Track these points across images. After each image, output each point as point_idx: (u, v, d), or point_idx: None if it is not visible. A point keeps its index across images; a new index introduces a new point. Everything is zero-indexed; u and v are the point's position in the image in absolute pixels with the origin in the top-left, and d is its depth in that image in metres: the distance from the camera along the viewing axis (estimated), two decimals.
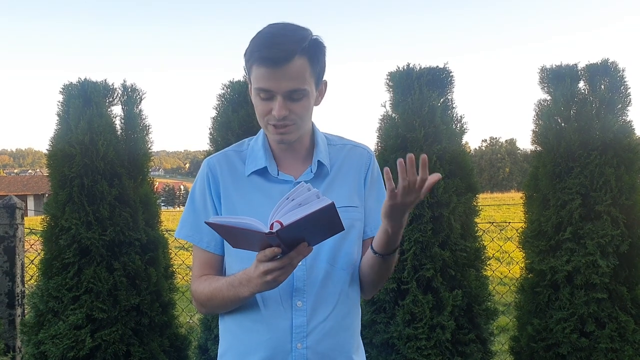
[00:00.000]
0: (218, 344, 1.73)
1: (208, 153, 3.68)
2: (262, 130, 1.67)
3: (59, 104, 3.47)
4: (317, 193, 1.30)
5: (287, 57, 1.45)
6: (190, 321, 5.66)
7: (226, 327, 1.68)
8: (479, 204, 3.63)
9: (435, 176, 1.38)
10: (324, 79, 1.62)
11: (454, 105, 3.62)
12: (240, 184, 1.63)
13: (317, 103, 1.63)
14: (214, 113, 3.75)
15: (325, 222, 1.34)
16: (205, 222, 1.35)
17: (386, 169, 1.38)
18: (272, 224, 1.28)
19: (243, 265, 1.48)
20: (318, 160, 1.64)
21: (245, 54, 1.54)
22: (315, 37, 1.53)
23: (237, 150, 1.70)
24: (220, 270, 1.67)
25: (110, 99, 3.55)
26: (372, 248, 1.57)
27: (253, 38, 1.52)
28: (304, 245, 1.35)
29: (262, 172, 1.63)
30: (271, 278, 1.38)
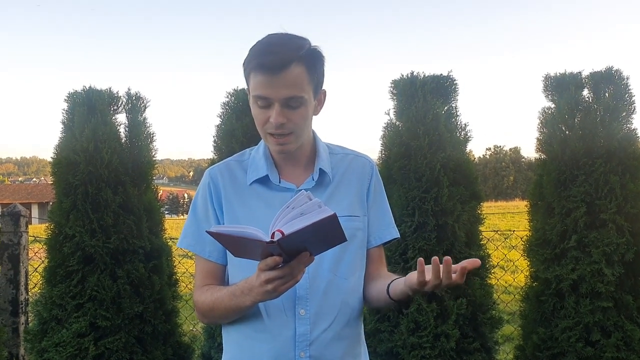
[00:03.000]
0: (221, 353, 1.73)
1: (212, 161, 3.69)
2: (263, 140, 1.68)
3: (64, 112, 3.49)
4: (319, 203, 1.29)
5: (284, 64, 1.46)
6: (194, 329, 5.64)
7: (229, 335, 1.68)
8: (483, 212, 3.62)
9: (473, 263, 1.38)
10: (323, 89, 1.62)
11: (458, 113, 3.62)
12: (242, 193, 1.64)
13: (316, 112, 1.63)
14: (218, 121, 3.76)
15: (327, 233, 1.33)
16: (207, 232, 1.35)
17: (420, 260, 1.39)
18: (273, 233, 1.27)
19: (245, 274, 1.47)
20: (320, 169, 1.64)
21: (244, 63, 1.55)
22: (313, 46, 1.54)
23: (239, 160, 1.71)
24: (223, 280, 1.67)
25: (115, 107, 3.56)
26: (388, 292, 1.57)
27: (251, 47, 1.52)
28: (305, 254, 1.34)
29: (264, 181, 1.63)
30: (272, 287, 1.37)
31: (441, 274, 1.35)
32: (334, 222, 1.27)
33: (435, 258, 1.38)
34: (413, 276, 1.42)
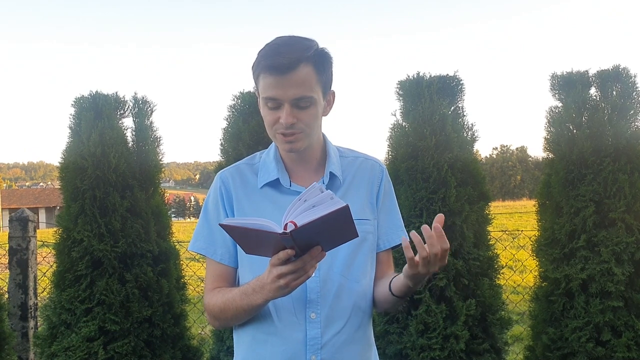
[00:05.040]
0: (230, 356, 1.73)
1: (218, 164, 3.69)
2: (273, 143, 1.69)
3: (71, 116, 3.49)
4: (330, 195, 1.30)
5: (293, 64, 1.48)
6: (202, 333, 5.65)
7: (240, 339, 1.68)
8: (491, 212, 3.61)
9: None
10: (331, 90, 1.63)
11: (464, 113, 3.61)
12: (253, 197, 1.64)
13: (325, 113, 1.64)
14: (224, 124, 3.76)
15: (339, 226, 1.33)
16: (220, 224, 1.35)
17: (404, 238, 1.42)
18: (286, 224, 1.27)
19: (256, 274, 1.47)
20: (330, 172, 1.65)
21: (252, 66, 1.56)
22: (321, 47, 1.56)
23: (249, 163, 1.72)
24: (233, 283, 1.67)
25: (121, 112, 3.57)
26: (390, 289, 1.57)
27: (260, 50, 1.54)
28: (317, 248, 1.34)
29: (275, 184, 1.64)
30: (284, 283, 1.36)
31: (428, 246, 1.37)
32: (346, 214, 1.28)
33: (424, 226, 1.40)
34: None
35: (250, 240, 1.38)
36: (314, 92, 1.53)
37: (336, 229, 1.33)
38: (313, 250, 1.34)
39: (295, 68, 1.48)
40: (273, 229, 1.27)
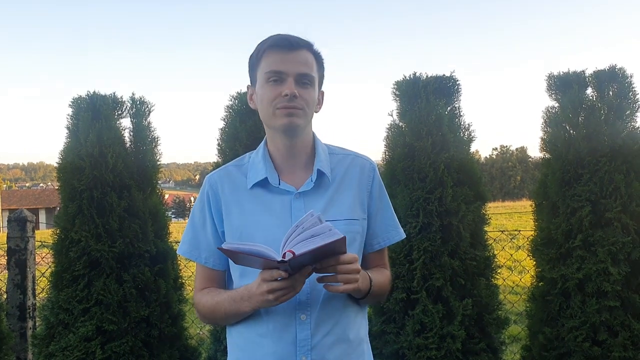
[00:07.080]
0: (227, 356, 1.75)
1: (217, 164, 3.69)
2: (262, 142, 1.71)
3: (69, 117, 3.50)
4: (329, 226, 1.37)
5: (300, 44, 1.59)
6: (200, 332, 5.66)
7: (233, 340, 1.70)
8: (488, 213, 3.61)
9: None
10: (322, 90, 1.71)
11: (461, 114, 3.62)
12: (242, 198, 1.65)
13: (317, 109, 1.68)
14: (222, 124, 3.77)
15: (331, 252, 1.41)
16: (218, 248, 1.42)
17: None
18: (285, 253, 1.35)
19: (246, 276, 1.52)
20: (318, 169, 1.66)
21: (251, 57, 1.64)
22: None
23: (238, 164, 1.74)
24: (222, 284, 1.71)
25: (119, 112, 3.58)
26: None
27: (261, 42, 1.63)
28: (307, 268, 1.42)
29: (264, 184, 1.65)
30: (273, 297, 1.43)
31: None
32: (342, 244, 1.38)
33: None
34: None
35: (245, 260, 1.44)
36: (315, 74, 1.62)
37: (328, 254, 1.41)
38: (304, 269, 1.42)
39: (300, 48, 1.59)
40: (272, 257, 1.35)
